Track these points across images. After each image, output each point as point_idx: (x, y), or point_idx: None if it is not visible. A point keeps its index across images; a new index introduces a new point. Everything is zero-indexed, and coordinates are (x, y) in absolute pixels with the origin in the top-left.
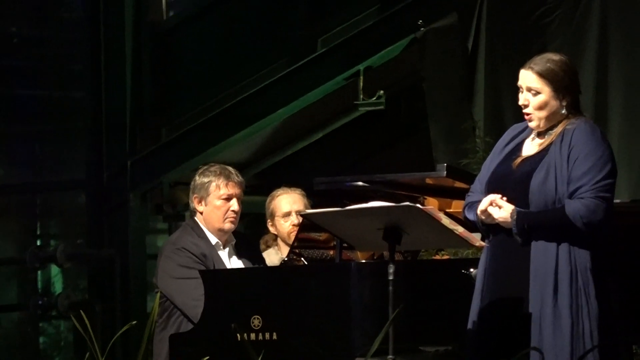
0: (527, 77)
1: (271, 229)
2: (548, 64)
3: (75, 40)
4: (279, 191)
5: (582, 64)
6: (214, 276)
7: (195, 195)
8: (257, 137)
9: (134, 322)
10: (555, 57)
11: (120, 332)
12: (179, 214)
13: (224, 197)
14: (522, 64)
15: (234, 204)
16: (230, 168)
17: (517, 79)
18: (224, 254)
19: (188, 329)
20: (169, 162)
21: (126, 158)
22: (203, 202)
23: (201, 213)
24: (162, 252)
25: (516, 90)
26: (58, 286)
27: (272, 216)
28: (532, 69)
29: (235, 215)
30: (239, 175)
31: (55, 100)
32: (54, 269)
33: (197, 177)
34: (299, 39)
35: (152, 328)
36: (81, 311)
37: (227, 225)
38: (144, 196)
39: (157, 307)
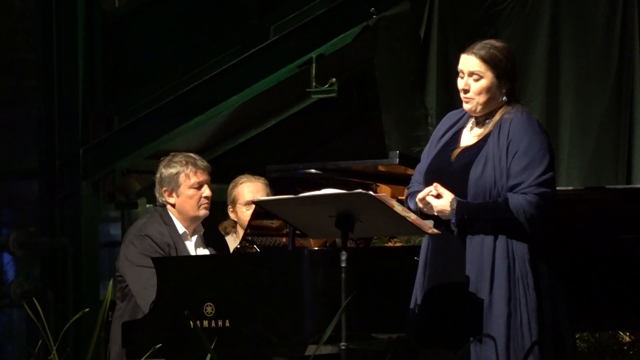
0: (470, 62)
1: (231, 215)
2: (492, 50)
3: (28, 29)
4: (243, 178)
5: (534, 52)
6: (167, 263)
7: (164, 189)
8: (210, 125)
9: (87, 309)
10: (497, 43)
11: (73, 319)
12: (132, 202)
13: (195, 186)
14: None
15: (206, 191)
16: (193, 155)
17: None
18: (190, 243)
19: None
20: (121, 150)
21: (78, 146)
22: (174, 194)
23: (173, 205)
24: (127, 236)
25: None
26: (11, 274)
27: (234, 203)
28: (475, 53)
29: (207, 202)
30: (203, 160)
31: (7, 88)
32: (7, 257)
33: (162, 170)
34: (252, 26)
35: (104, 316)
36: (34, 299)
37: (202, 212)
38: (97, 184)
39: (109, 295)
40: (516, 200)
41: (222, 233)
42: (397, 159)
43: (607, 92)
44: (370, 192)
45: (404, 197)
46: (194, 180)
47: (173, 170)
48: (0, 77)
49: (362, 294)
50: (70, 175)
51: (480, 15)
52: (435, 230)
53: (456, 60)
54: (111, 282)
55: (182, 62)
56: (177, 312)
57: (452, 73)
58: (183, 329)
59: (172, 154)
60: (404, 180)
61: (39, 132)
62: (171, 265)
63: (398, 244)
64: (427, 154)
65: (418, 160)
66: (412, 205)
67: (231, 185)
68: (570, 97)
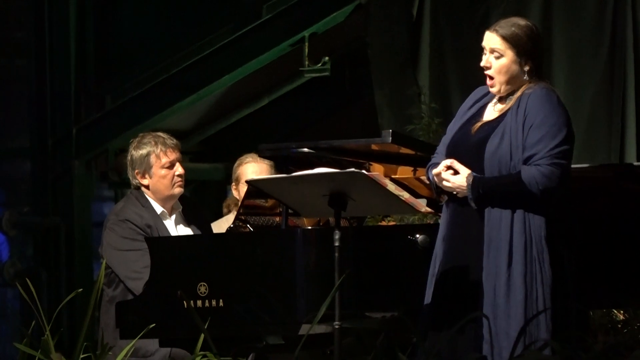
0: (491, 39)
1: (234, 193)
2: (513, 28)
3: (19, 8)
4: (248, 158)
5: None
6: (160, 243)
7: (137, 171)
8: (202, 104)
9: (80, 289)
10: (521, 21)
11: (66, 299)
12: (125, 181)
13: (167, 165)
14: (465, 31)
15: (178, 169)
16: (162, 134)
17: (461, 45)
18: (170, 222)
19: None
20: (113, 130)
21: (71, 125)
22: (147, 175)
23: (147, 187)
24: (106, 223)
25: (460, 56)
26: (4, 254)
27: (237, 181)
28: (496, 31)
29: (181, 179)
30: (172, 138)
31: None
32: (0, 237)
33: (132, 152)
34: (244, 5)
35: (97, 296)
36: (27, 279)
37: (177, 190)
38: (89, 164)
39: (102, 276)
40: (529, 172)
41: (226, 210)
42: (390, 138)
43: (600, 69)
44: (363, 171)
45: (397, 176)
46: (165, 160)
47: (143, 152)
48: None
49: (355, 273)
50: (63, 154)
51: None
52: (428, 209)
53: (448, 38)
54: (104, 262)
55: (175, 41)
56: (170, 292)
57: (445, 51)
58: (176, 309)
59: (141, 134)
60: (397, 159)
61: (31, 111)
62: (164, 245)
63: (392, 223)
64: (452, 127)
65: (411, 139)
66: (430, 176)
67: (237, 162)
68: (563, 74)
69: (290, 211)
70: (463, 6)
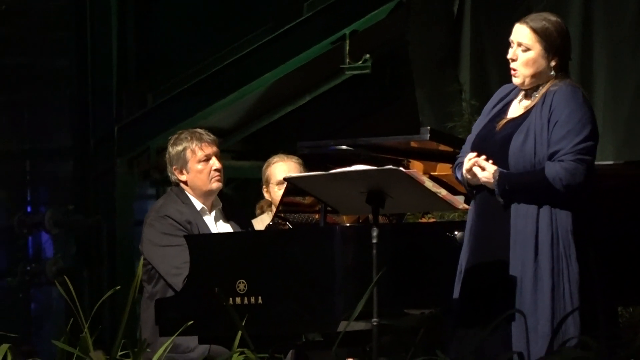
0: (521, 32)
1: (266, 195)
2: (544, 22)
3: (61, 8)
4: (275, 158)
5: (567, 26)
6: (199, 241)
7: (174, 167)
8: (243, 102)
9: (119, 287)
10: (552, 17)
11: (105, 297)
12: (166, 179)
13: (203, 159)
14: (506, 28)
15: (215, 163)
16: (199, 130)
17: (501, 42)
18: (209, 218)
19: None
20: (155, 128)
21: (113, 124)
22: (184, 171)
23: (185, 183)
24: (146, 219)
25: (501, 54)
26: (49, 252)
27: (267, 183)
28: (527, 23)
29: (219, 174)
30: (209, 134)
31: (41, 67)
32: (45, 236)
33: (170, 149)
34: (285, 3)
35: (136, 292)
36: (65, 277)
37: (215, 185)
38: (131, 162)
39: (140, 272)
40: (552, 168)
41: (259, 211)
42: (428, 135)
43: None
44: (401, 168)
45: (436, 173)
46: (200, 154)
47: (180, 148)
48: (34, 57)
49: (393, 270)
50: (105, 153)
51: None
52: (466, 206)
53: (489, 36)
54: (142, 260)
55: (216, 39)
56: (209, 289)
57: (485, 48)
58: (215, 306)
59: (179, 131)
60: (436, 156)
61: (73, 110)
62: (203, 242)
63: (432, 220)
64: (477, 125)
65: (450, 136)
66: (459, 175)
67: (265, 165)
68: (603, 70)
69: (328, 208)
70: (504, 4)
